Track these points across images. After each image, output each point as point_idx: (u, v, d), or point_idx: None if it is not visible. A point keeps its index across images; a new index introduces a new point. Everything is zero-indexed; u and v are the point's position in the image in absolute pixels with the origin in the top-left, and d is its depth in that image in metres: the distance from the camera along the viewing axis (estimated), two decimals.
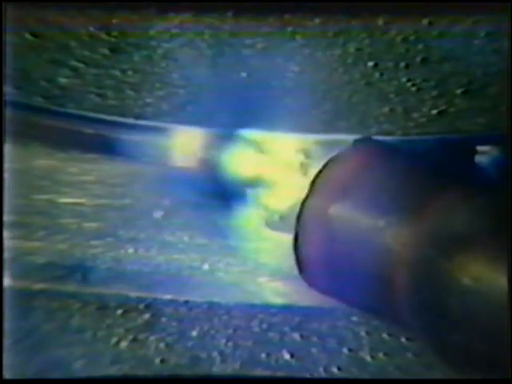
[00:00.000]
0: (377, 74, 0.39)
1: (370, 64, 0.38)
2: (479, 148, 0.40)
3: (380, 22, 0.37)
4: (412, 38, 0.38)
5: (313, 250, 0.35)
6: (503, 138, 0.38)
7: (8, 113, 0.39)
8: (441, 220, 0.31)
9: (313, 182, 0.35)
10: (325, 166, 0.36)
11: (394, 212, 0.32)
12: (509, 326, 0.27)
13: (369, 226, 0.33)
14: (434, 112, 0.40)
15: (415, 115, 0.41)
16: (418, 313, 0.31)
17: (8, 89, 0.39)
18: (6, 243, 0.40)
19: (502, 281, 0.28)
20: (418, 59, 0.38)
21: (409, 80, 0.39)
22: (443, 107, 0.40)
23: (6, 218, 0.40)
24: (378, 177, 0.35)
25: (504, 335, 0.28)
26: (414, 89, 0.40)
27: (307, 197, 0.35)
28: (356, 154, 0.36)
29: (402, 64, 0.38)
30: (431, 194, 0.32)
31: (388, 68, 0.39)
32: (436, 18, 0.37)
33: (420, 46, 0.38)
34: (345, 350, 0.42)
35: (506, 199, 0.30)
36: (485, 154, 0.39)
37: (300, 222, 0.35)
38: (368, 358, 0.42)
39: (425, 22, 0.37)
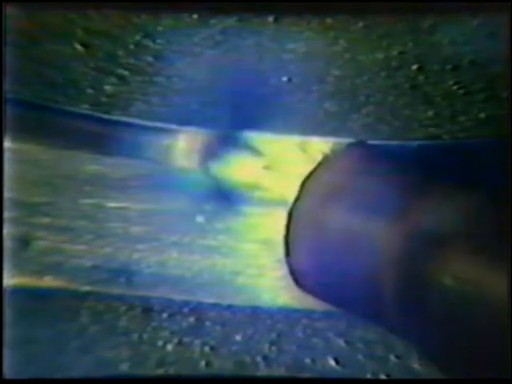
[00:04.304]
0: (422, 78, 0.38)
1: (415, 67, 0.38)
2: (468, 151, 0.39)
3: (425, 24, 0.37)
4: (460, 39, 0.37)
5: (303, 251, 0.35)
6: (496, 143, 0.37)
7: (56, 121, 0.40)
8: (426, 222, 0.31)
9: (302, 184, 0.35)
10: (315, 169, 0.35)
11: (383, 215, 0.32)
12: (501, 327, 0.27)
13: (357, 228, 0.33)
14: (483, 115, 0.39)
15: (462, 118, 0.40)
16: (403, 313, 0.31)
17: (56, 97, 0.40)
18: (55, 246, 0.41)
19: (486, 281, 0.27)
20: (466, 61, 0.38)
21: (456, 83, 0.38)
22: (493, 110, 0.39)
23: (56, 222, 0.42)
24: (368, 180, 0.34)
25: (487, 336, 0.27)
26: (461, 92, 0.39)
27: (297, 199, 0.35)
28: (346, 157, 0.36)
29: (449, 67, 0.38)
30: (419, 198, 0.32)
31: (434, 71, 0.38)
32: (486, 19, 0.36)
33: (468, 48, 0.37)
34: (392, 357, 0.41)
35: (490, 201, 0.30)
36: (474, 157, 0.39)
37: (290, 224, 0.35)
38: (417, 366, 0.41)
39: (474, 23, 0.36)
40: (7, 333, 0.39)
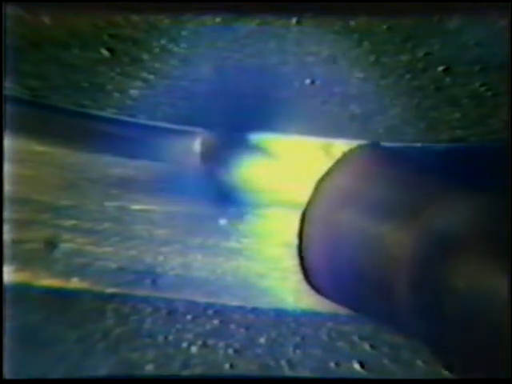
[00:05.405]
0: (448, 79, 0.38)
1: (441, 69, 0.37)
2: (482, 155, 0.38)
3: (452, 25, 0.36)
4: (487, 40, 0.36)
5: (316, 253, 0.35)
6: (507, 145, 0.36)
7: (82, 124, 0.41)
8: (442, 226, 0.30)
9: (317, 186, 0.35)
10: (329, 170, 0.35)
11: (396, 218, 0.32)
12: (508, 330, 0.26)
13: (371, 231, 0.32)
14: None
15: (491, 121, 0.39)
16: (418, 317, 0.30)
17: (83, 101, 0.41)
18: (81, 248, 0.42)
19: (501, 286, 0.27)
20: (494, 63, 0.37)
21: (483, 84, 0.38)
22: None
23: (82, 224, 0.42)
24: (382, 183, 0.34)
25: (502, 339, 0.27)
26: (489, 93, 0.38)
27: (311, 200, 0.35)
28: (360, 159, 0.36)
29: (476, 68, 0.37)
30: (433, 201, 0.32)
31: (460, 72, 0.38)
32: None
33: (496, 49, 0.37)
34: (419, 362, 0.41)
35: (505, 204, 0.29)
36: (487, 161, 0.38)
37: (304, 225, 0.35)
38: (444, 372, 0.41)
39: (503, 23, 0.36)
40: (34, 333, 0.39)
